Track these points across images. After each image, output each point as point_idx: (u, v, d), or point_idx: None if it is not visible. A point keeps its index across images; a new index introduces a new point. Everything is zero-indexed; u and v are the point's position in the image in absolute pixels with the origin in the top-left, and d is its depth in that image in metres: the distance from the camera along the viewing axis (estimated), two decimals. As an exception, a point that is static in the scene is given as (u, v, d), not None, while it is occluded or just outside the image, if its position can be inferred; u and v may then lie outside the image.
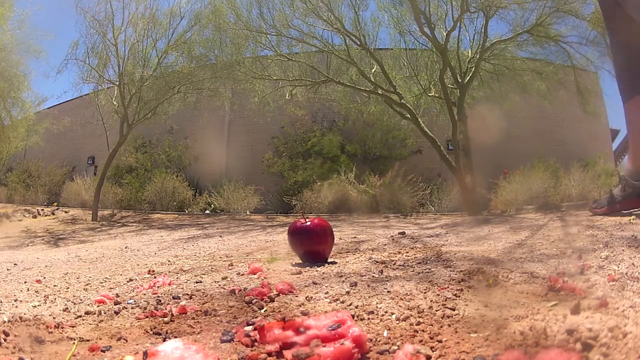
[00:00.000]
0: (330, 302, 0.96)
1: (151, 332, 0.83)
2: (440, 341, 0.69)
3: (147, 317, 0.94)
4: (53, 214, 6.92)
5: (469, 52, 5.63)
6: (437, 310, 0.84)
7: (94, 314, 0.99)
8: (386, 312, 0.86)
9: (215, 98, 6.66)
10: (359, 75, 5.60)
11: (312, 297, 1.00)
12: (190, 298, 1.09)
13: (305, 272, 1.33)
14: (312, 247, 1.51)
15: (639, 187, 2.06)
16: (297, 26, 5.62)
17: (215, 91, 6.51)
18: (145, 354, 0.63)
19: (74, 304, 1.11)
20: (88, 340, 0.79)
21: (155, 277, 1.40)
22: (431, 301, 0.91)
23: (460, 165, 5.08)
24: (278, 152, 8.87)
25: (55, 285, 1.42)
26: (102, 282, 1.44)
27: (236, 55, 5.87)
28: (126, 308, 1.03)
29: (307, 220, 1.51)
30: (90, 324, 0.91)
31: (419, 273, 1.21)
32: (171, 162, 9.23)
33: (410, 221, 4.24)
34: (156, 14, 6.39)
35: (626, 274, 0.94)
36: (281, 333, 0.69)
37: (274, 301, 0.99)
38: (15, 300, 1.17)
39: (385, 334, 0.74)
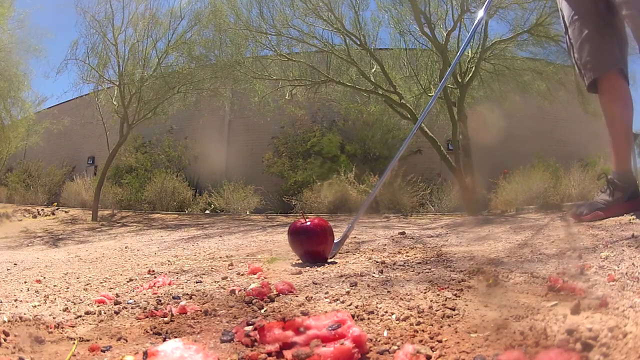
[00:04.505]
0: (330, 302, 0.96)
1: (151, 332, 0.83)
2: (440, 341, 0.69)
3: (147, 317, 0.94)
4: (53, 214, 6.92)
5: (469, 52, 5.63)
6: (437, 310, 0.84)
7: (94, 314, 0.99)
8: (386, 312, 0.86)
9: (215, 98, 6.66)
10: (359, 75, 5.60)
11: (312, 297, 1.00)
12: (190, 298, 1.09)
13: (305, 272, 1.33)
14: (312, 247, 1.51)
15: (629, 189, 1.86)
16: (297, 26, 5.62)
17: (215, 91, 6.51)
18: (145, 354, 0.63)
19: (74, 304, 1.11)
20: (88, 340, 0.79)
21: (155, 277, 1.40)
22: (431, 301, 0.91)
23: (460, 165, 5.08)
24: (278, 152, 8.87)
25: (55, 285, 1.42)
26: (102, 282, 1.44)
27: (236, 55, 5.88)
28: (126, 308, 1.03)
29: (307, 220, 1.51)
30: (90, 324, 0.91)
31: (419, 273, 1.21)
32: (171, 162, 9.22)
33: (411, 221, 4.24)
34: (156, 14, 6.40)
35: (626, 274, 0.94)
36: (281, 333, 0.69)
37: (274, 301, 0.99)
38: (15, 300, 1.17)
39: (385, 334, 0.74)
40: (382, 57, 5.68)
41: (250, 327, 0.78)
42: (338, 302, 0.96)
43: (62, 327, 0.88)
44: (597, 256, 1.17)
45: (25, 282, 1.49)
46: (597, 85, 1.88)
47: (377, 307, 0.89)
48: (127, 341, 0.78)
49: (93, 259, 2.30)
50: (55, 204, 8.44)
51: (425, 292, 0.98)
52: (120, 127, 6.40)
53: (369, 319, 0.83)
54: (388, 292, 1.00)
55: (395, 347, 0.67)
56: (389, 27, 6.02)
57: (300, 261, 1.54)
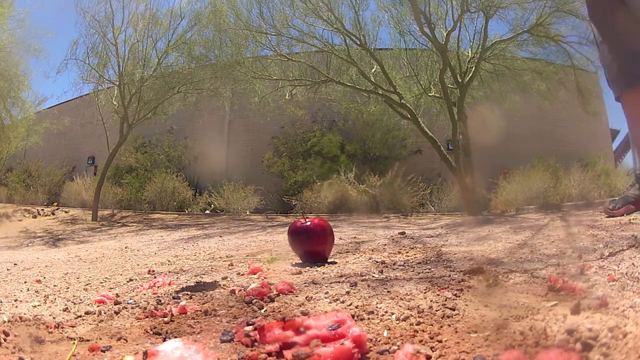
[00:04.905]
0: (330, 302, 0.96)
1: (151, 332, 0.83)
2: (440, 341, 0.69)
3: (147, 317, 0.94)
4: (53, 214, 6.92)
5: (469, 52, 5.62)
6: (437, 310, 0.84)
7: (94, 314, 0.99)
8: (386, 312, 0.86)
9: (215, 98, 6.66)
10: (359, 75, 5.60)
11: (312, 297, 1.00)
12: (190, 298, 1.09)
13: (305, 272, 1.33)
14: (312, 247, 1.51)
15: None
16: (297, 26, 5.62)
17: (215, 91, 6.50)
18: (145, 354, 0.63)
19: (74, 304, 1.11)
20: (88, 340, 0.79)
21: (155, 277, 1.40)
22: (431, 301, 0.91)
23: (460, 165, 5.08)
24: (278, 152, 8.86)
25: (55, 285, 1.42)
26: (102, 282, 1.44)
27: (236, 55, 5.87)
28: (126, 308, 1.03)
29: (307, 220, 1.51)
30: (90, 324, 0.91)
31: (419, 273, 1.21)
32: (171, 162, 9.22)
33: (411, 221, 4.24)
34: (156, 14, 6.39)
35: (626, 274, 0.94)
36: (281, 333, 0.69)
37: (274, 301, 0.99)
38: (15, 300, 1.17)
39: (385, 334, 0.74)
40: (382, 57, 5.68)
41: (250, 327, 0.78)
42: (338, 302, 0.96)
43: (62, 327, 0.88)
44: (597, 256, 1.17)
45: (25, 282, 1.49)
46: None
47: (377, 307, 0.89)
48: (127, 341, 0.78)
49: (93, 259, 2.30)
50: (55, 204, 8.44)
51: (425, 292, 0.98)
52: (120, 127, 6.40)
53: (369, 319, 0.83)
54: (388, 292, 1.00)
55: (395, 347, 0.67)
56: (389, 27, 6.02)
57: (300, 261, 1.54)
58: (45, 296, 1.22)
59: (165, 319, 0.90)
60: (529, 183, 5.75)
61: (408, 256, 1.55)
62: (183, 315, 0.93)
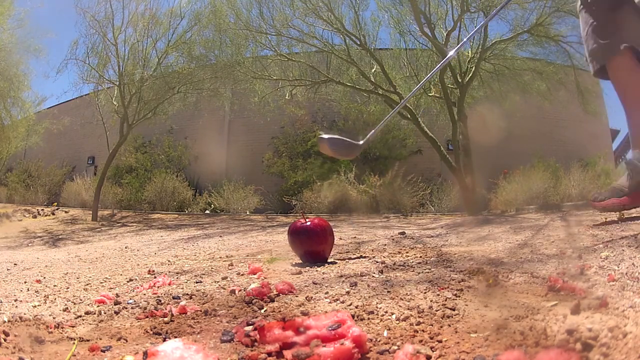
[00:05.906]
0: (330, 302, 0.96)
1: (151, 332, 0.83)
2: (440, 341, 0.69)
3: (147, 317, 0.94)
4: (53, 214, 6.92)
5: (469, 52, 5.63)
6: (437, 310, 0.84)
7: (94, 314, 0.99)
8: (386, 312, 0.86)
9: (215, 98, 6.66)
10: (359, 75, 5.60)
11: (312, 297, 1.00)
12: (190, 298, 1.09)
13: (305, 272, 1.33)
14: (312, 247, 1.51)
15: None
16: (297, 26, 5.63)
17: (215, 91, 6.51)
18: (145, 354, 0.63)
19: (74, 304, 1.11)
20: (88, 340, 0.79)
21: (155, 277, 1.40)
22: (431, 301, 0.91)
23: (460, 165, 5.08)
24: (278, 152, 8.87)
25: (55, 285, 1.42)
26: (102, 282, 1.44)
27: (236, 55, 5.88)
28: (126, 308, 1.03)
29: (307, 220, 1.51)
30: (90, 324, 0.91)
31: (419, 273, 1.21)
32: (171, 162, 9.22)
33: (411, 221, 4.24)
34: (156, 14, 6.40)
35: (626, 274, 0.94)
36: (281, 333, 0.69)
37: (274, 301, 0.99)
38: (15, 300, 1.17)
39: (385, 334, 0.74)
40: (382, 57, 5.68)
41: (250, 327, 0.78)
42: (338, 302, 0.95)
43: (62, 327, 0.88)
44: (597, 256, 1.17)
45: (25, 282, 1.49)
46: (605, 71, 1.78)
47: (377, 307, 0.89)
48: (127, 341, 0.78)
49: (93, 259, 2.30)
50: (55, 204, 8.44)
51: (425, 292, 0.98)
52: (120, 127, 6.40)
53: (369, 319, 0.83)
54: (388, 292, 1.00)
55: (395, 347, 0.67)
56: (389, 27, 6.04)
57: (300, 261, 1.54)
58: (45, 296, 1.22)
59: (165, 319, 0.90)
60: (529, 183, 5.75)
61: (408, 256, 1.55)
62: (183, 315, 0.93)
